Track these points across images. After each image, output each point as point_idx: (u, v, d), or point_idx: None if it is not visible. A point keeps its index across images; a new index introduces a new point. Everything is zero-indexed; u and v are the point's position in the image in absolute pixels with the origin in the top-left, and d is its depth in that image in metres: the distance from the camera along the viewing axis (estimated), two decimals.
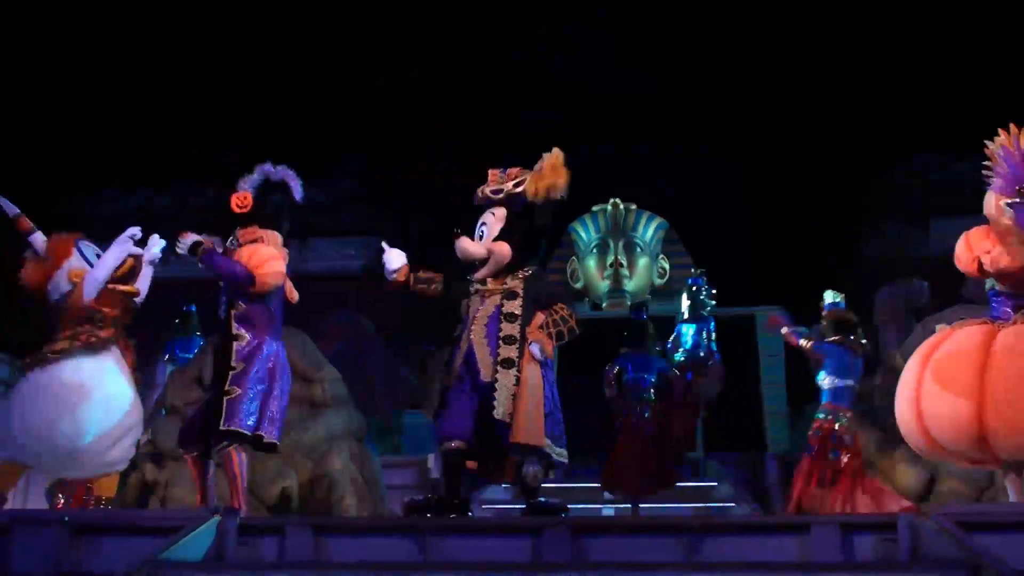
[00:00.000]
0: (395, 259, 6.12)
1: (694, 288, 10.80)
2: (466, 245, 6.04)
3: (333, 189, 15.87)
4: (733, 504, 9.07)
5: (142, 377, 7.22)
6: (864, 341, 7.96)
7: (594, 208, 14.35)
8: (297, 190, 6.25)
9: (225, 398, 5.77)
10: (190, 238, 5.98)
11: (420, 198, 14.97)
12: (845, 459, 7.60)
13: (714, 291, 10.94)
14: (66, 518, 5.11)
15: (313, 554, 4.98)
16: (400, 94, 16.27)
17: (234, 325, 5.92)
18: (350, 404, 8.83)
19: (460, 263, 6.06)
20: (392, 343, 12.53)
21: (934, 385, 5.38)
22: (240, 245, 6.03)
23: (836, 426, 7.67)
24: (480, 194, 6.15)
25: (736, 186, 14.95)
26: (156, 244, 6.80)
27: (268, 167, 6.23)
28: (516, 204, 6.04)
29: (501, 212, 6.06)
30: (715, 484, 10.10)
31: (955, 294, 8.53)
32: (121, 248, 6.63)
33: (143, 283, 6.79)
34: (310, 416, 8.50)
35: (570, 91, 16.03)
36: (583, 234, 14.48)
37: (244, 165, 6.32)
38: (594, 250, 14.35)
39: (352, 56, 16.50)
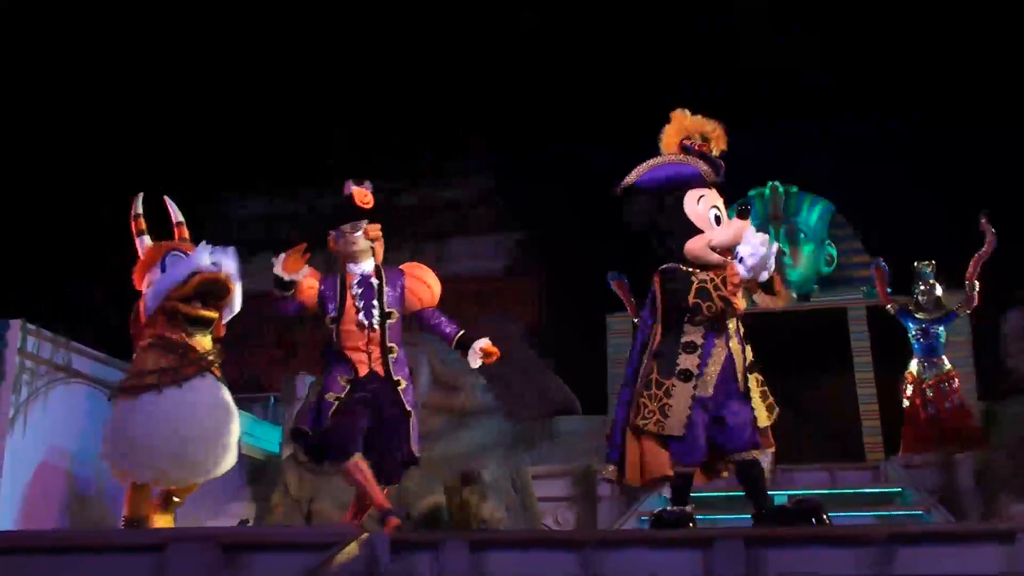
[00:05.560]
0: None
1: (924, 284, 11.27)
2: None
3: (466, 187, 16.09)
4: (921, 512, 8.77)
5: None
6: None
7: (751, 192, 14.00)
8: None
9: (410, 420, 5.80)
10: None
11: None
12: None
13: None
14: (219, 536, 5.35)
15: (470, 570, 5.03)
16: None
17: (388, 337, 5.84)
18: (498, 412, 8.94)
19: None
20: (538, 345, 12.62)
21: None
22: (372, 241, 5.88)
23: None
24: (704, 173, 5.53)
25: (922, 164, 14.51)
26: (204, 251, 6.24)
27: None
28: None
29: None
30: (899, 490, 9.80)
31: None
32: (187, 263, 6.17)
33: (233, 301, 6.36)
34: (456, 426, 8.64)
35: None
36: None
37: (374, 165, 6.31)
38: None
39: (476, 53, 16.75)
